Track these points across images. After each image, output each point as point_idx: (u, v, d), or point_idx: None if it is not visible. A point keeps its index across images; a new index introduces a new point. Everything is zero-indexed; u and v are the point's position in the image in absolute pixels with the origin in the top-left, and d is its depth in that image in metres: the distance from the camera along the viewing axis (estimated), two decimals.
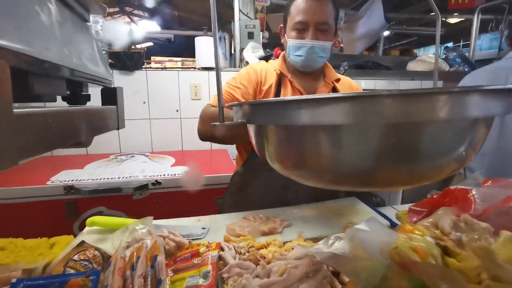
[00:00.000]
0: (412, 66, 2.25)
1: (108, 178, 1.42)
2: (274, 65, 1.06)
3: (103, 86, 0.54)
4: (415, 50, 4.61)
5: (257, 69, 1.05)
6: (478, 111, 0.27)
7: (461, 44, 3.40)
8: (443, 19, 3.71)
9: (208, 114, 0.98)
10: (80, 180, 1.38)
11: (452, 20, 3.48)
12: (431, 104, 0.26)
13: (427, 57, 2.20)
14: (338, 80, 1.09)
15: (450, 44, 4.10)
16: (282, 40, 1.06)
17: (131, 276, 0.53)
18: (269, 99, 0.36)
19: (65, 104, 0.49)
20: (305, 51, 0.97)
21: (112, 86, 0.56)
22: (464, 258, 0.62)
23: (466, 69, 2.25)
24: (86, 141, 0.41)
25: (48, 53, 0.32)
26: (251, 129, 0.44)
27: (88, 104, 0.52)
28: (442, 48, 3.11)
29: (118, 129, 0.53)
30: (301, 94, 1.02)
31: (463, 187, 0.90)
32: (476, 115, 0.28)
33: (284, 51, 1.08)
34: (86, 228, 0.76)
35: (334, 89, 1.08)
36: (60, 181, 1.35)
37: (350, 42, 3.17)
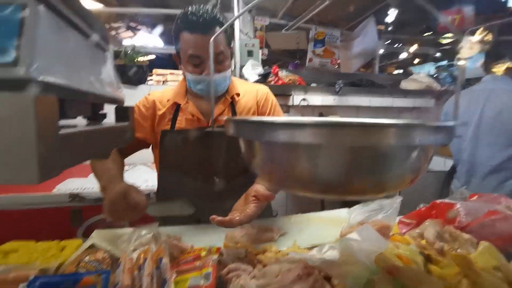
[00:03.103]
0: (404, 84, 2.35)
1: None
2: (168, 95, 1.05)
3: (117, 105, 0.61)
4: (410, 68, 4.76)
5: (151, 99, 1.04)
6: (420, 141, 0.34)
7: (454, 62, 3.54)
8: (436, 38, 3.88)
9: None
10: (85, 188, 1.43)
11: (444, 40, 3.63)
12: (382, 134, 0.33)
13: (419, 76, 2.30)
14: (238, 94, 1.06)
15: (444, 63, 4.23)
16: (179, 67, 1.02)
17: (138, 276, 0.58)
18: (250, 118, 0.43)
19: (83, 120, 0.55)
20: (206, 84, 0.95)
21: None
22: (445, 266, 0.67)
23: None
24: (107, 154, 0.48)
25: (81, 84, 0.39)
26: (241, 142, 0.51)
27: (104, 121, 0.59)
28: (434, 67, 3.23)
29: (129, 142, 0.60)
30: (197, 118, 1.01)
31: (448, 201, 0.96)
32: (418, 143, 0.35)
33: (183, 77, 1.06)
34: (95, 232, 0.81)
35: (232, 104, 1.06)
36: (66, 189, 1.40)
37: (346, 60, 3.30)
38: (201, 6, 0.90)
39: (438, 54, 3.86)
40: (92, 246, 0.71)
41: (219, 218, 0.77)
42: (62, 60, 0.30)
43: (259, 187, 0.87)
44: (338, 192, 0.40)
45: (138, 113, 1.03)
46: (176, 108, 1.02)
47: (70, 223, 1.41)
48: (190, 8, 0.90)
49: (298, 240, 0.86)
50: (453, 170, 1.88)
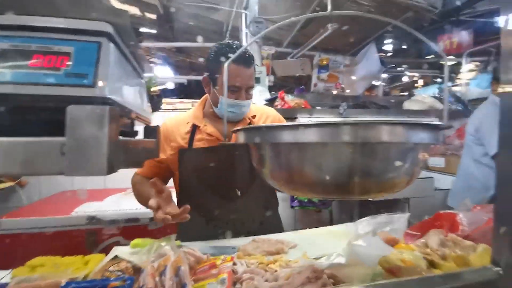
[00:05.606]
0: (407, 105, 2.43)
1: (126, 209, 1.54)
2: (187, 117, 1.18)
3: (146, 125, 0.70)
4: (413, 90, 4.87)
5: (168, 125, 1.18)
6: (411, 139, 0.40)
7: (456, 84, 3.64)
8: (438, 61, 4.02)
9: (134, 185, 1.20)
10: (102, 211, 1.50)
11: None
12: (377, 131, 0.39)
13: (421, 97, 2.38)
14: (254, 116, 1.22)
15: (449, 84, 4.33)
16: (207, 90, 1.15)
17: (160, 281, 0.63)
18: (264, 124, 0.50)
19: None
20: (238, 108, 1.10)
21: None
22: (447, 268, 0.70)
23: (459, 108, 2.41)
24: (141, 164, 0.55)
25: (130, 104, 0.48)
26: (252, 149, 0.58)
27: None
28: (436, 88, 3.33)
29: (157, 158, 0.68)
30: (217, 138, 1.13)
31: (452, 212, 0.99)
32: (410, 141, 0.41)
33: (204, 98, 1.21)
34: (115, 247, 0.86)
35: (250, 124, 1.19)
36: (84, 212, 1.47)
37: (350, 84, 3.43)
38: (236, 41, 1.13)
39: (439, 77, 3.98)
40: (115, 258, 0.77)
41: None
42: (120, 84, 0.39)
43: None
44: (340, 191, 0.46)
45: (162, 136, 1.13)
46: (193, 130, 1.14)
47: (85, 245, 1.46)
48: (231, 42, 1.10)
49: (307, 252, 0.89)
50: None
